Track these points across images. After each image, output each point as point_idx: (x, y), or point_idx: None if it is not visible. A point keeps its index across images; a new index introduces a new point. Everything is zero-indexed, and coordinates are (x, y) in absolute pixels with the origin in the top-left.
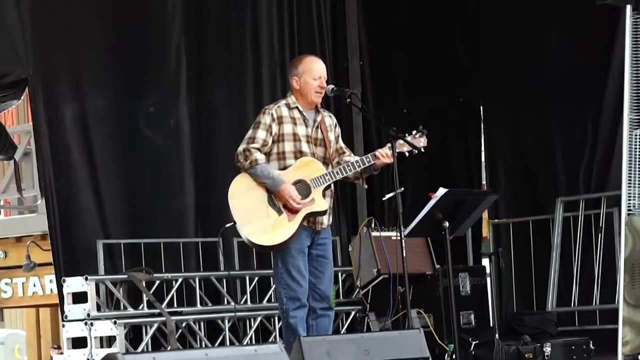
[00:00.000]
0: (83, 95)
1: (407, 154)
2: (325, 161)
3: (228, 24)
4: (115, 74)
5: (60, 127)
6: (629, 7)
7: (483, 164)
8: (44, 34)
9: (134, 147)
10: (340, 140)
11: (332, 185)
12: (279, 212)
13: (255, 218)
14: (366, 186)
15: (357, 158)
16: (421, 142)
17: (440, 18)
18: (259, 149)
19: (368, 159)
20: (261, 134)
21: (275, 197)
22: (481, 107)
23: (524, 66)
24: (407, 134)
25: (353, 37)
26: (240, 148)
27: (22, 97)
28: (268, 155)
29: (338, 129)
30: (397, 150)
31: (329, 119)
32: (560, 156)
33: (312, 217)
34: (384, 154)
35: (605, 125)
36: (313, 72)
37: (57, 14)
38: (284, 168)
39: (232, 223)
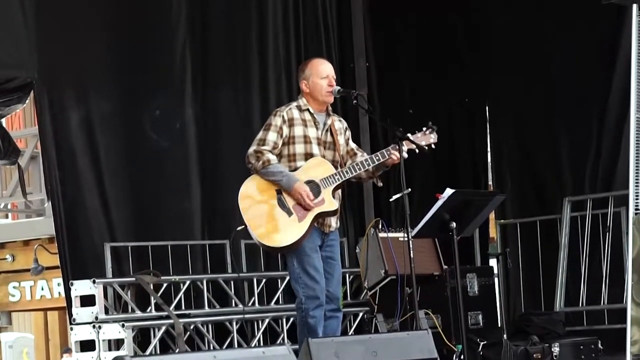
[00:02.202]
0: (88, 99)
1: (417, 150)
2: (335, 164)
3: (233, 27)
4: (121, 77)
5: (65, 131)
6: (634, 6)
7: (489, 164)
8: (49, 38)
9: (140, 150)
10: (350, 142)
11: (341, 187)
12: (289, 214)
13: (265, 220)
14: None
15: (367, 157)
16: (431, 138)
17: (445, 19)
18: (270, 151)
19: (377, 157)
20: (272, 136)
21: (285, 197)
22: (487, 108)
23: (529, 66)
24: (416, 131)
25: (359, 39)
26: (251, 150)
27: (27, 101)
28: (278, 157)
29: (348, 132)
30: (407, 148)
31: (339, 123)
32: (566, 156)
33: (321, 217)
34: (396, 156)
35: (611, 125)
36: (320, 72)
37: (62, 18)
38: (294, 170)
39: (242, 227)
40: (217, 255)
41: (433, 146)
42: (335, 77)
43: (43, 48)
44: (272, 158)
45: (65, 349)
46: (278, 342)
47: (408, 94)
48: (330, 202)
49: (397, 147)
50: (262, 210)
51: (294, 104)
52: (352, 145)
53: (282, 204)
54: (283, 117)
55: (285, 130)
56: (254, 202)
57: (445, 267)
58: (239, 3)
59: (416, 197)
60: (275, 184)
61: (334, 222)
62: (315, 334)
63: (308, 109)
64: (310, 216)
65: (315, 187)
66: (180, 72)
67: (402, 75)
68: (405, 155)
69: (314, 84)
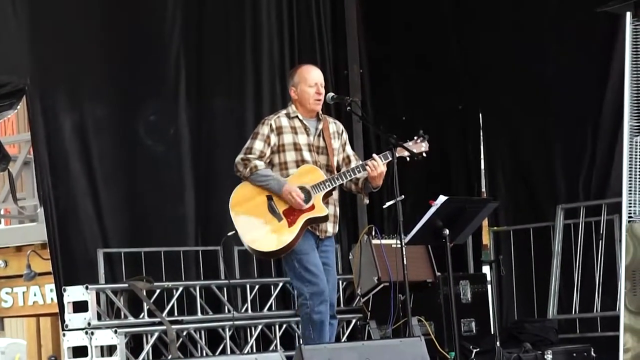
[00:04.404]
0: (81, 104)
1: (408, 159)
2: (329, 169)
3: (227, 33)
4: (114, 83)
5: (58, 137)
6: (628, 14)
7: (482, 171)
8: (41, 43)
9: (134, 155)
10: (347, 148)
11: (335, 193)
12: (279, 219)
13: (256, 226)
14: (367, 201)
15: (357, 164)
16: (422, 147)
17: (439, 26)
18: (256, 159)
19: (358, 169)
20: (258, 144)
21: (276, 203)
22: (480, 115)
23: (522, 74)
24: (408, 140)
25: (353, 46)
26: (238, 158)
27: (18, 107)
28: (270, 165)
29: (345, 136)
30: (398, 155)
31: (334, 126)
32: (560, 163)
33: (313, 223)
34: (373, 166)
35: (605, 132)
36: (308, 80)
37: (55, 23)
38: (286, 177)
39: (233, 232)
40: (210, 262)
41: (424, 155)
42: (323, 84)
43: (35, 53)
44: (260, 164)
45: (51, 357)
46: (271, 348)
47: (401, 101)
48: (320, 207)
49: (382, 156)
50: (253, 216)
51: (283, 111)
52: (349, 151)
53: (272, 210)
54: (271, 125)
55: (274, 139)
56: (245, 208)
57: (438, 274)
58: (234, 9)
59: (409, 203)
60: (265, 189)
61: (330, 228)
62: (321, 330)
63: (297, 116)
64: (300, 221)
65: (305, 194)
66: (175, 78)
67: (395, 82)
68: (382, 168)
69: (302, 92)
